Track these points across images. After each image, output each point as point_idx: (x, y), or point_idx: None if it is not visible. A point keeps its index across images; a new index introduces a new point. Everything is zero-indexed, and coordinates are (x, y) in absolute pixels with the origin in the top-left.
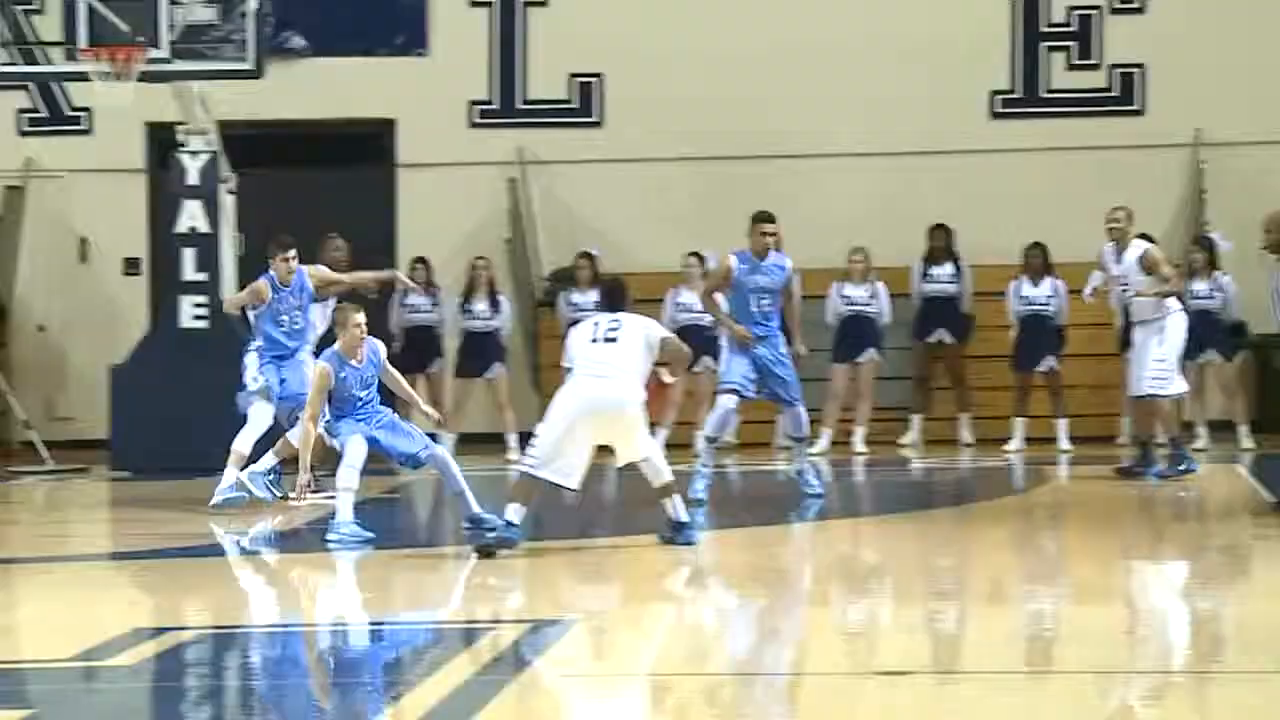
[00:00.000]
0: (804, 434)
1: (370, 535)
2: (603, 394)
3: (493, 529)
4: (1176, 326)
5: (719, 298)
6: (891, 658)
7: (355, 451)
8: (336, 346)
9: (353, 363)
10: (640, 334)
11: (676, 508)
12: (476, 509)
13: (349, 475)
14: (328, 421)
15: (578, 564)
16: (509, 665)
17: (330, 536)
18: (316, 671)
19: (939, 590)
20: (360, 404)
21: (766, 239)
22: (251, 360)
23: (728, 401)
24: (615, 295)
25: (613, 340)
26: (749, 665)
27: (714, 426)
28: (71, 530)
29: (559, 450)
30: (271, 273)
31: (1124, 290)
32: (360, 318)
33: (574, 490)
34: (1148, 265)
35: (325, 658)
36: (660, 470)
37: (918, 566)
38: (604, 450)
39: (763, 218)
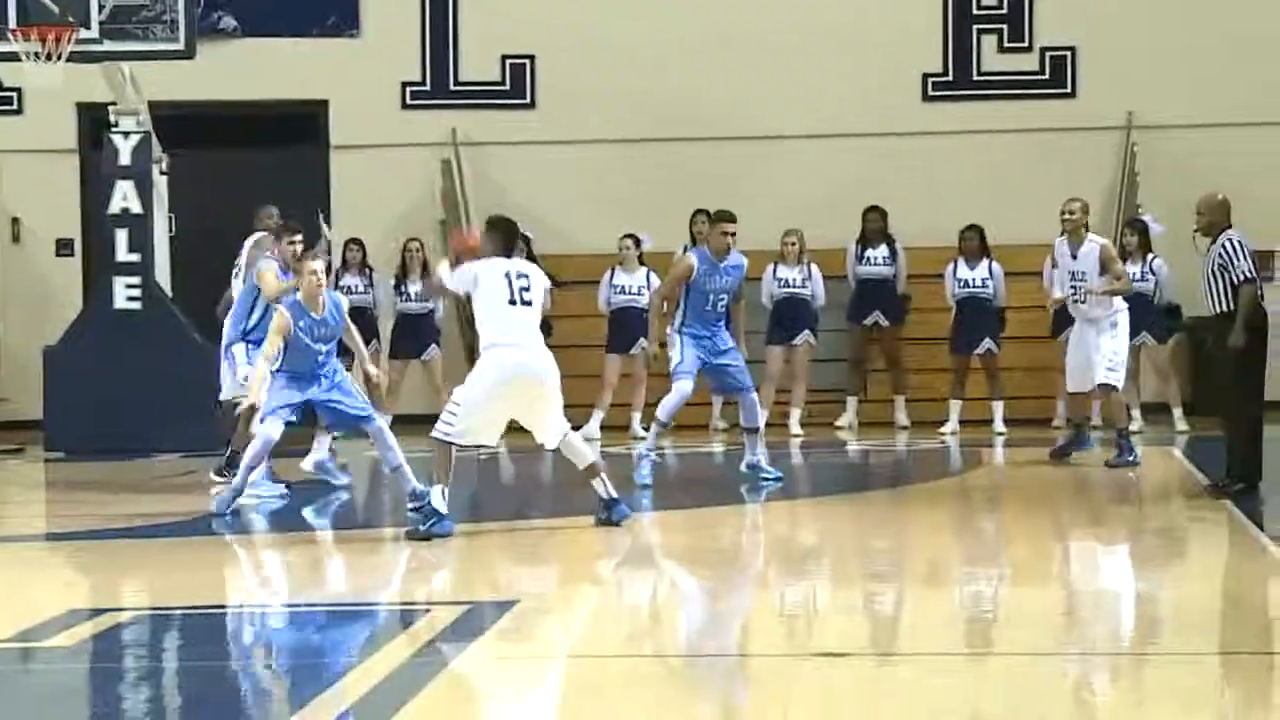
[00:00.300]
0: (758, 424)
1: (284, 490)
2: (528, 365)
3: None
4: (1124, 321)
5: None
6: (830, 639)
7: (266, 432)
8: (298, 295)
9: (313, 313)
10: (542, 288)
11: (606, 486)
12: (415, 484)
13: (255, 452)
14: (273, 373)
15: (515, 545)
16: (447, 648)
17: (245, 498)
18: (255, 654)
19: (876, 572)
20: (315, 358)
21: (727, 239)
22: (240, 351)
23: (684, 387)
24: (513, 237)
25: (529, 304)
26: (688, 647)
27: (668, 412)
28: (6, 511)
29: (477, 420)
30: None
31: (1078, 286)
32: (315, 265)
33: (493, 446)
34: (1105, 260)
35: (263, 640)
36: (581, 451)
37: (855, 548)
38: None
39: (723, 217)
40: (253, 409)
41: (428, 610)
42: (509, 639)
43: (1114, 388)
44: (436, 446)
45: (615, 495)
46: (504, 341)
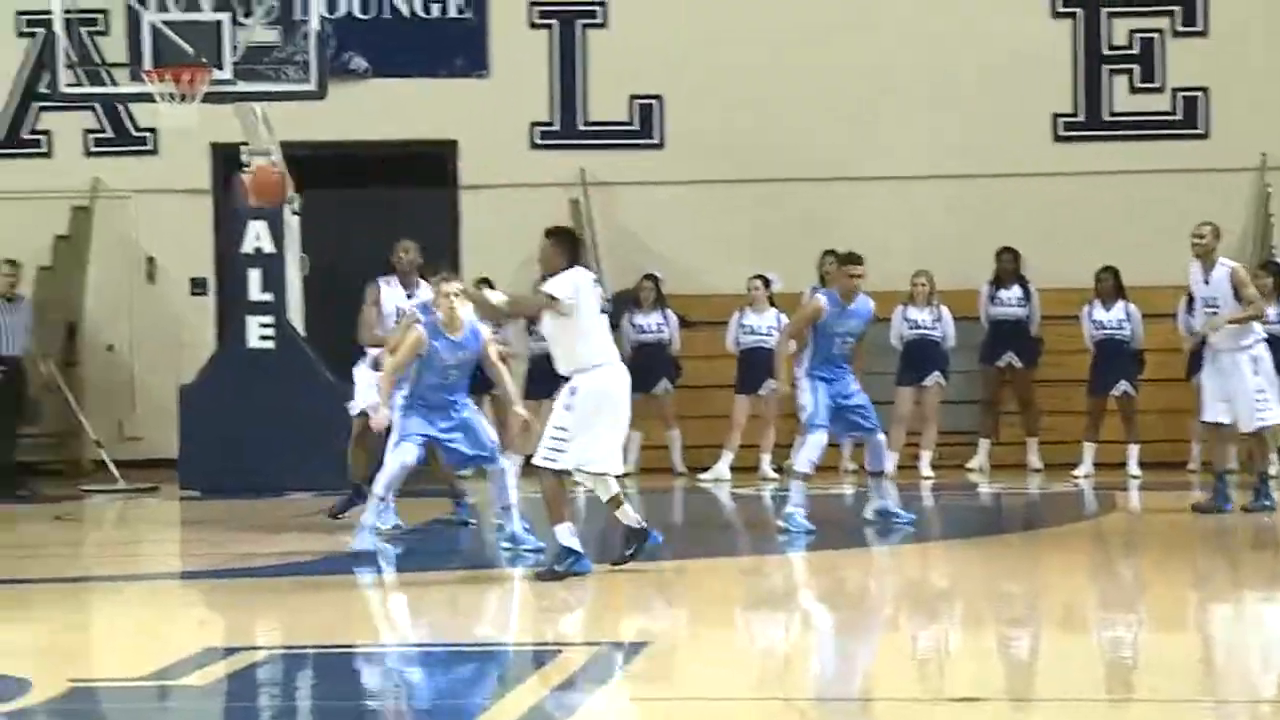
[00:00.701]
0: (884, 467)
1: (371, 549)
2: (627, 386)
3: (536, 549)
4: (1265, 352)
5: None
6: (963, 684)
7: (400, 458)
8: (436, 316)
9: (450, 334)
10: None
11: (629, 515)
12: (516, 527)
13: (384, 481)
14: (402, 407)
15: (645, 586)
16: (578, 690)
17: (353, 544)
18: (386, 695)
19: (1010, 616)
20: (446, 387)
21: (854, 281)
22: (363, 374)
23: (820, 440)
24: (579, 245)
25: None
26: (820, 690)
27: (809, 464)
28: (141, 549)
29: (597, 448)
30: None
31: (1212, 312)
32: (450, 287)
33: (619, 474)
34: (1236, 284)
35: (394, 680)
36: (611, 483)
37: (987, 592)
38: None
39: (851, 259)
40: (365, 426)
41: (559, 651)
42: (640, 681)
43: (1266, 429)
44: (545, 479)
45: (643, 525)
46: (607, 360)
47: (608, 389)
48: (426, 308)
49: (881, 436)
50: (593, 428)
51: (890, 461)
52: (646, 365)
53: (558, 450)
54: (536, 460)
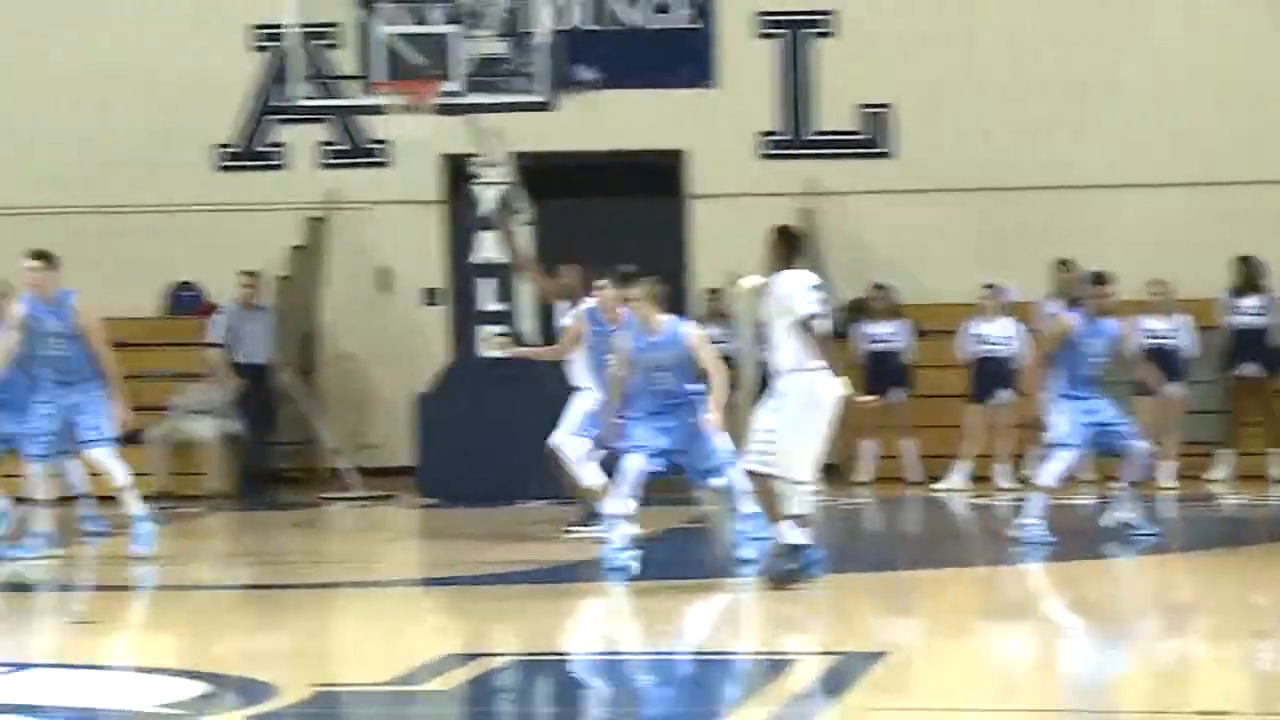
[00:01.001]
0: (1140, 478)
1: (632, 565)
2: (835, 393)
3: (790, 559)
4: None
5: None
6: (1212, 697)
7: (630, 470)
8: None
9: (648, 335)
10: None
11: (796, 532)
12: (750, 548)
13: (618, 501)
14: (630, 414)
15: (882, 595)
16: (816, 699)
17: (609, 565)
18: (622, 703)
19: (1259, 629)
20: (657, 389)
21: (1106, 299)
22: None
23: (1068, 457)
24: (801, 246)
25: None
26: (1061, 702)
27: (1053, 479)
28: (380, 556)
29: (796, 452)
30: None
31: None
32: (601, 283)
33: (809, 483)
34: None
35: (630, 689)
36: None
37: (1234, 604)
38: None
39: (1101, 279)
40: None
41: (796, 661)
42: (879, 691)
43: None
44: (755, 481)
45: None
46: (815, 365)
47: (816, 393)
48: (593, 312)
49: (1142, 448)
50: (798, 430)
51: (1155, 473)
52: (878, 374)
53: (767, 454)
54: (746, 464)
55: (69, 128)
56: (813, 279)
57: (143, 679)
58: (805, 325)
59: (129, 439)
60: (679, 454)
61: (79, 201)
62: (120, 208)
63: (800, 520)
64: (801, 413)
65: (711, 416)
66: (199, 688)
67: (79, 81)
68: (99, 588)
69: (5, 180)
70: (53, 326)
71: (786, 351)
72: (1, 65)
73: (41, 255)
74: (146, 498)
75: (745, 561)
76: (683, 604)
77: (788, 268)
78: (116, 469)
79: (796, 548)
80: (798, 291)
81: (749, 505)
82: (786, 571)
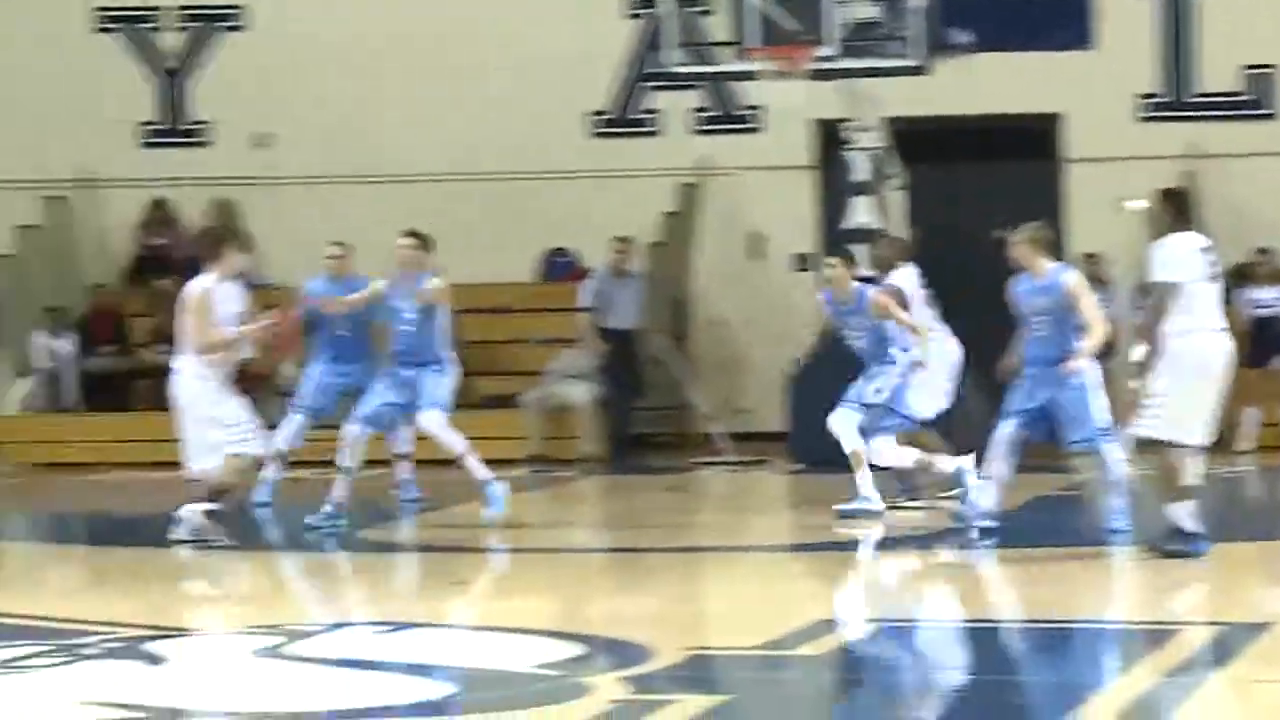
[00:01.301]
0: None
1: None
2: (1228, 355)
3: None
4: None
5: None
6: None
7: (1001, 436)
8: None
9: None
10: None
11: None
12: (1120, 517)
13: (988, 465)
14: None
15: (1269, 565)
16: (1197, 669)
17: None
18: (995, 671)
19: None
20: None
21: None
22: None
23: None
24: (1189, 206)
25: (1217, 279)
26: None
27: None
28: (750, 521)
29: (1191, 417)
30: None
31: None
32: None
33: (1205, 446)
34: None
35: (1005, 657)
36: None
37: None
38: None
39: None
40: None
41: (1177, 631)
42: (1264, 663)
43: None
44: (1161, 453)
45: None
46: (1212, 326)
47: (1208, 356)
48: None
49: None
50: (1190, 394)
51: None
52: (1263, 340)
53: (1159, 418)
54: (1138, 430)
55: (450, 99)
56: (1202, 240)
57: (519, 639)
58: (1195, 288)
59: (502, 403)
60: (1051, 420)
61: (460, 170)
62: (498, 174)
63: (1192, 494)
64: (1194, 376)
65: (1077, 363)
66: (574, 649)
67: (462, 55)
68: (465, 549)
69: (396, 150)
70: (406, 305)
71: (1177, 315)
72: (406, 45)
73: (414, 234)
74: (520, 461)
75: (1116, 532)
76: (1056, 572)
77: (1175, 230)
78: (453, 438)
79: (1187, 534)
80: (1186, 254)
81: (1122, 475)
82: (1170, 552)
